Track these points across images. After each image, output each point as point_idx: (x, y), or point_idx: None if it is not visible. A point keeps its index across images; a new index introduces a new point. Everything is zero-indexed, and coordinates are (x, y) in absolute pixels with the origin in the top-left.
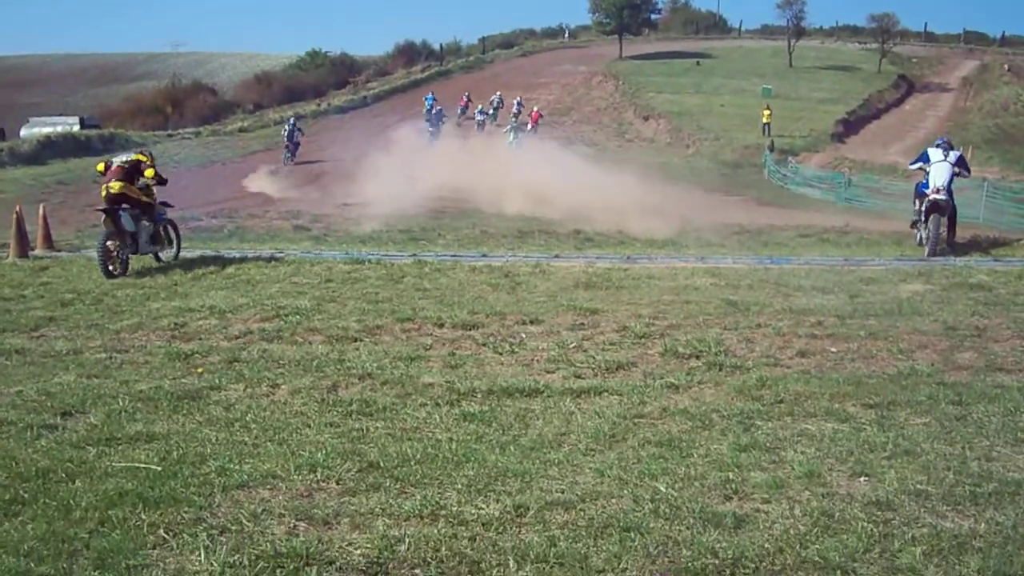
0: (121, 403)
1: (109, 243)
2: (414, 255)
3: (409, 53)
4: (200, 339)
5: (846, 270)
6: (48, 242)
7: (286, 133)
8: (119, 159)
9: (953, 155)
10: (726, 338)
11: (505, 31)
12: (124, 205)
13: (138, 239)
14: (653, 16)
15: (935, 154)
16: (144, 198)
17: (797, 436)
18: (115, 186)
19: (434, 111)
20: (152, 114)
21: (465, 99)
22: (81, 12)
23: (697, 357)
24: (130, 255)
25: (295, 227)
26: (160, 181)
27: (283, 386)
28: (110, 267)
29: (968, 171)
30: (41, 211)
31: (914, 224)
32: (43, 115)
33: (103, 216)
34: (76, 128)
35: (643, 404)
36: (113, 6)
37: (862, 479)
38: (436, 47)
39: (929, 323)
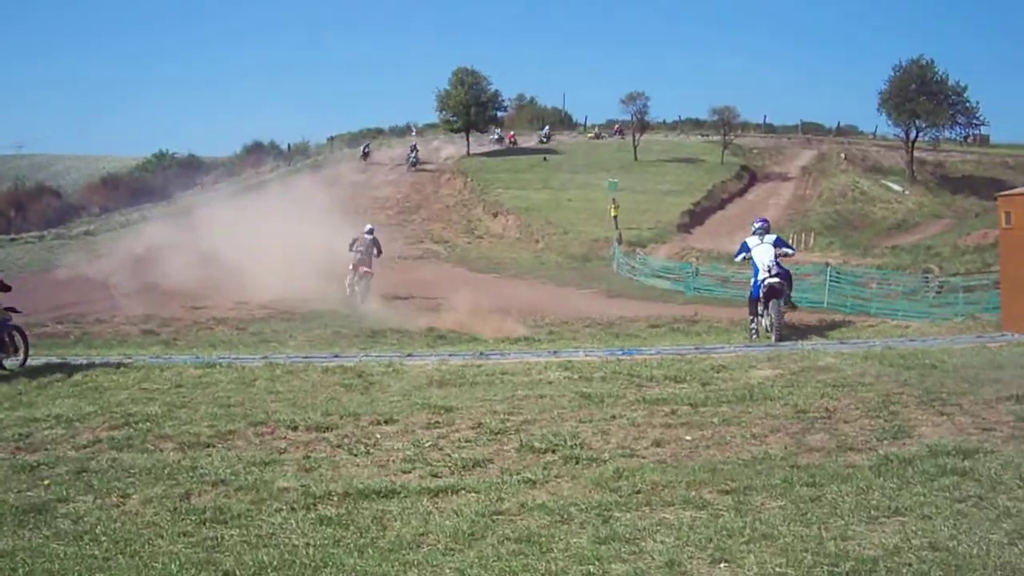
0: None
1: None
2: (265, 357)
3: (257, 153)
4: (46, 450)
5: (697, 358)
6: None
7: None
8: None
9: (769, 237)
10: (581, 431)
11: (353, 130)
12: None
13: None
14: (499, 113)
15: (753, 241)
16: None
17: (656, 526)
18: None
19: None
20: None
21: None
22: None
23: (553, 451)
24: None
25: (143, 331)
26: (3, 287)
27: (134, 496)
28: None
29: (792, 248)
30: None
31: (752, 321)
32: None
33: None
34: None
35: (501, 500)
36: None
37: (722, 565)
38: (284, 147)
39: (780, 407)
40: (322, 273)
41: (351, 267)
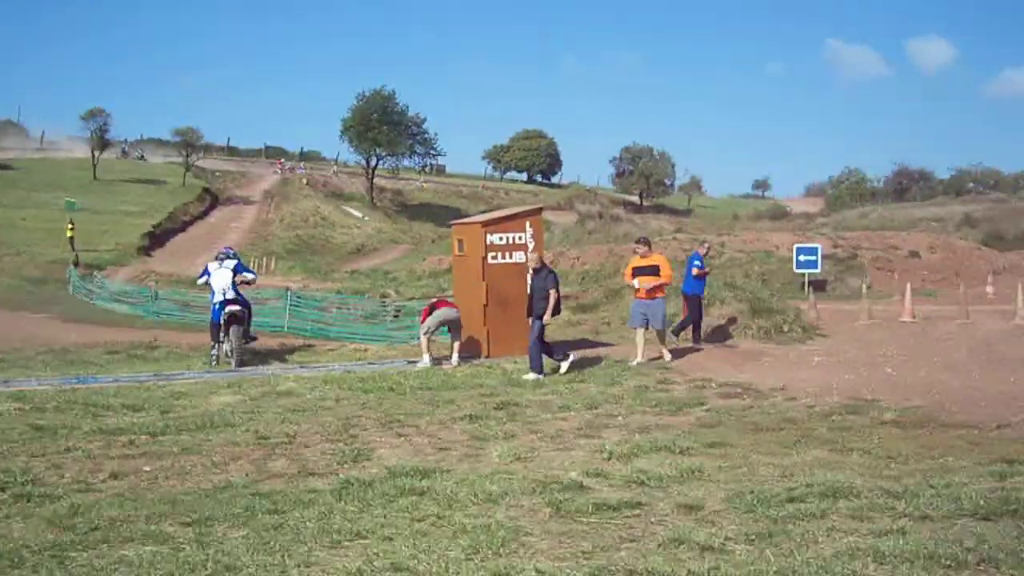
0: None
1: None
2: None
3: None
4: None
5: (156, 385)
6: None
7: None
8: None
9: (229, 262)
10: (33, 466)
11: None
12: None
13: None
14: None
15: (213, 265)
16: None
17: (115, 564)
18: None
19: None
20: None
21: None
22: None
23: (3, 489)
24: None
25: None
26: None
27: None
28: None
29: (252, 273)
30: None
31: (213, 347)
32: None
33: None
34: None
35: None
36: None
37: None
38: None
39: (241, 433)
40: None
41: None
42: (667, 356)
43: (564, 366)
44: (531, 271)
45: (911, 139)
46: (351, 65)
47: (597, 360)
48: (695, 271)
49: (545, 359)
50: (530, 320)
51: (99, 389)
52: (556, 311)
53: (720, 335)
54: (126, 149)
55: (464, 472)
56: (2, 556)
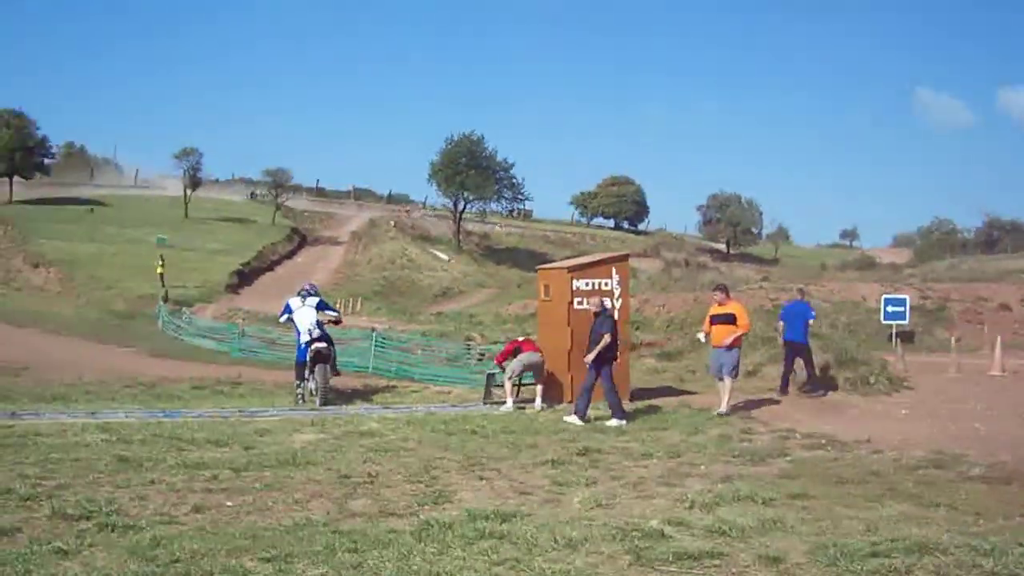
0: None
1: None
2: None
3: None
4: None
5: (240, 421)
6: None
7: None
8: None
9: (312, 300)
10: (118, 496)
11: None
12: None
13: None
14: (46, 160)
15: (295, 302)
16: None
17: None
18: None
19: None
20: None
21: None
22: None
23: (88, 518)
24: None
25: None
26: None
27: None
28: None
29: (335, 311)
30: None
31: (298, 385)
32: None
33: None
34: None
35: (28, 573)
36: None
37: None
38: None
39: (323, 472)
40: None
41: None
42: (724, 407)
43: (613, 423)
44: (592, 315)
45: (1002, 190)
46: (441, 107)
47: (680, 408)
48: (811, 322)
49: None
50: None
51: (184, 423)
52: (610, 356)
53: (806, 386)
54: (255, 193)
55: (545, 517)
56: None
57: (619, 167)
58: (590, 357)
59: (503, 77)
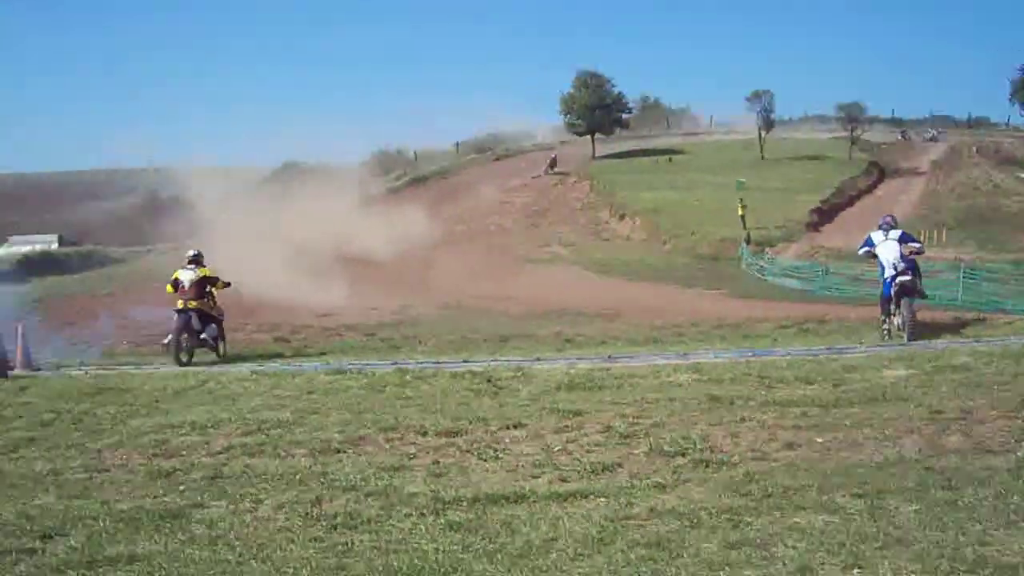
0: (102, 524)
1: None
2: (395, 363)
3: (384, 161)
4: (182, 456)
5: (828, 359)
6: (27, 361)
7: None
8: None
9: (895, 232)
10: (711, 434)
11: (479, 136)
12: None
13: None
14: (624, 115)
15: (877, 236)
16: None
17: (787, 531)
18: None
19: None
20: (130, 229)
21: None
22: (54, 130)
23: (683, 455)
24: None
25: (275, 339)
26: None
27: (266, 501)
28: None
29: (918, 242)
30: (20, 330)
31: (884, 320)
32: (21, 234)
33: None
34: (55, 246)
35: (630, 505)
36: (87, 123)
37: (855, 571)
38: (411, 154)
39: (914, 408)
40: None
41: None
42: None
43: None
44: None
45: None
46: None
47: None
48: None
49: None
50: None
51: (771, 362)
52: None
53: None
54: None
55: None
56: (682, 516)
57: None
58: None
59: None
